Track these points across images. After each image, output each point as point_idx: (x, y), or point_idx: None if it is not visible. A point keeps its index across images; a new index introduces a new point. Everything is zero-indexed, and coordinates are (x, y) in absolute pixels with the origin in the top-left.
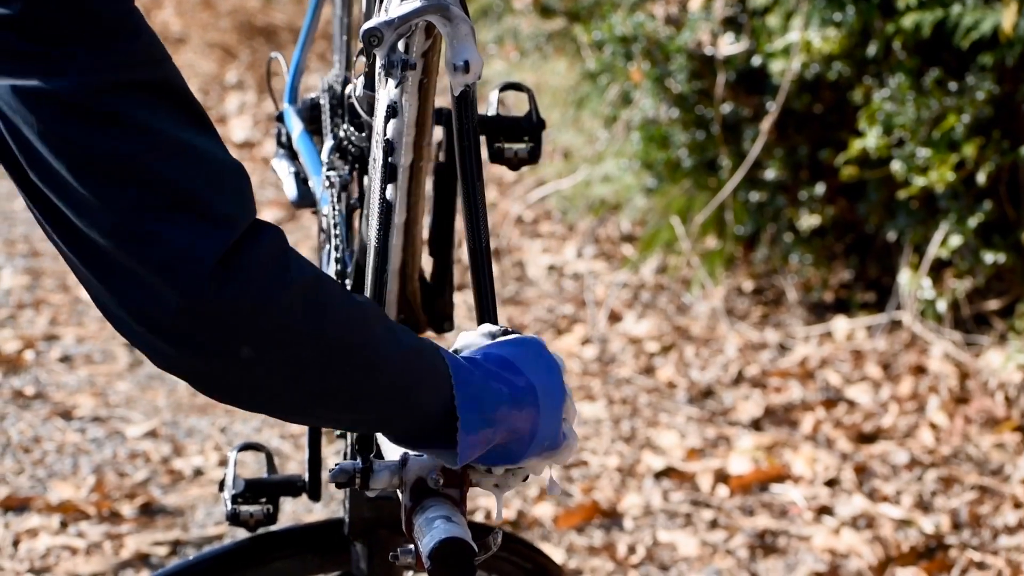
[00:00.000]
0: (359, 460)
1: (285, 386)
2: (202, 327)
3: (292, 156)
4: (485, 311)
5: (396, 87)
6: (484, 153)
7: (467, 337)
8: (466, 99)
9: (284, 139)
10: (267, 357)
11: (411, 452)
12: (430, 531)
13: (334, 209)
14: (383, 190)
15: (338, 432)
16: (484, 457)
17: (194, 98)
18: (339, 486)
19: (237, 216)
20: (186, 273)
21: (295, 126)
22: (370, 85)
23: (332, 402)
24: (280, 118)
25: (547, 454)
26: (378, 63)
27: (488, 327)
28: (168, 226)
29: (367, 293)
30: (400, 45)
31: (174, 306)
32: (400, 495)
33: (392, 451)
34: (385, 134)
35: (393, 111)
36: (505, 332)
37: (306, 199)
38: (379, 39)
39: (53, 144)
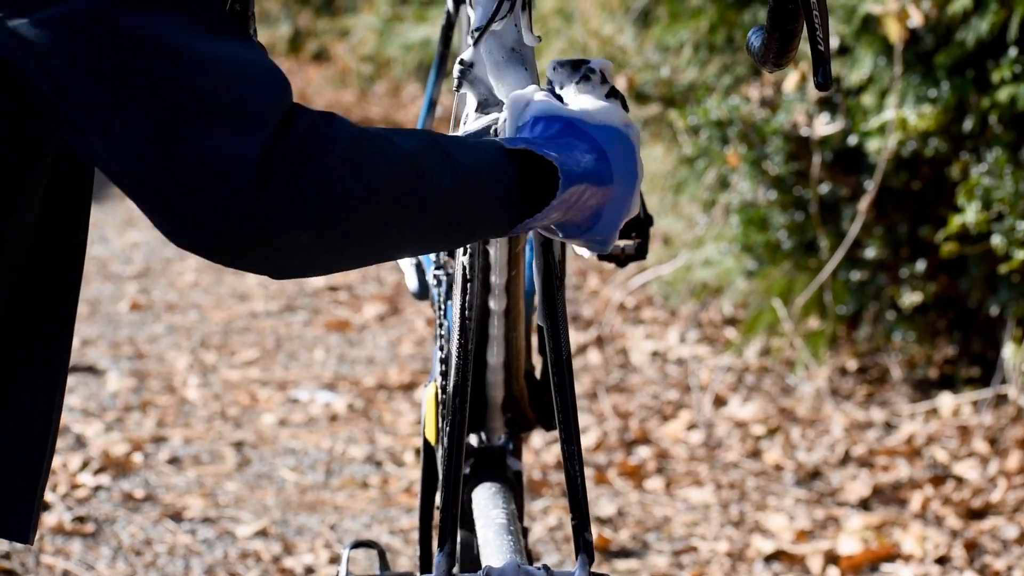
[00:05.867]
0: None
1: (347, 254)
2: (257, 229)
3: None
4: (566, 427)
5: None
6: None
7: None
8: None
9: None
10: (324, 235)
11: (494, 564)
12: None
13: (440, 308)
14: (463, 336)
15: None
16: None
17: (215, 5)
18: None
19: (269, 115)
20: (230, 181)
21: None
22: None
23: (394, 250)
24: None
25: (592, 244)
26: None
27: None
28: (203, 136)
29: (448, 412)
30: None
31: (226, 215)
32: None
33: (489, 556)
34: (466, 270)
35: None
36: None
37: (427, 291)
38: None
39: (77, 71)
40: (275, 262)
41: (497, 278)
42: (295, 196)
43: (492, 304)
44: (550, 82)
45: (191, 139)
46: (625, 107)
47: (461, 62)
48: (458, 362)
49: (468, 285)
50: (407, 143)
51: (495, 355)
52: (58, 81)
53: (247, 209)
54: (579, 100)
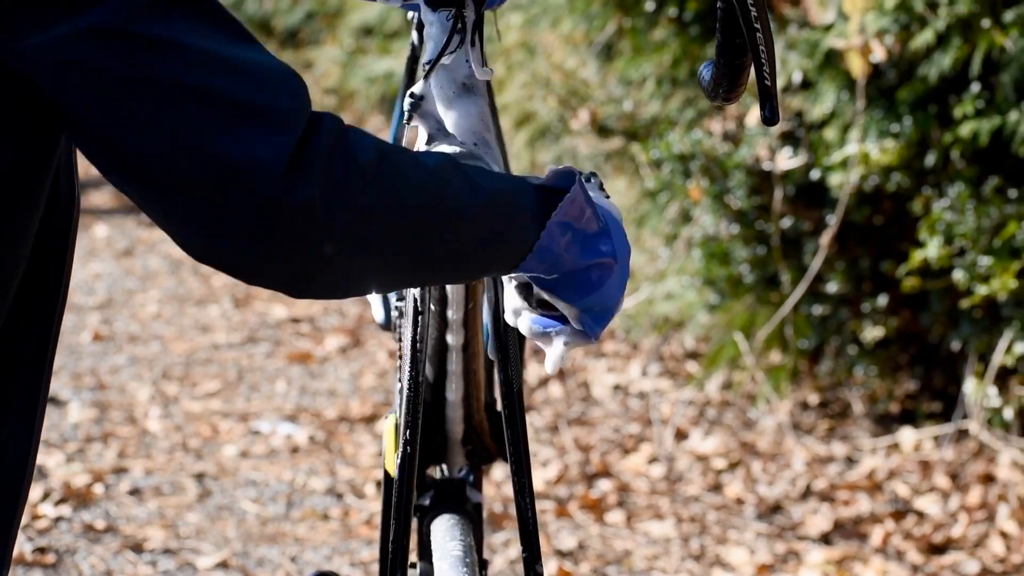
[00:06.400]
0: None
1: (369, 271)
2: (281, 233)
3: None
4: (517, 459)
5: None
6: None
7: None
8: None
9: None
10: (348, 248)
11: None
12: None
13: (402, 340)
14: (414, 369)
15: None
16: (545, 281)
17: (231, 15)
18: None
19: (295, 116)
20: (256, 182)
21: None
22: None
23: (416, 271)
24: None
25: (586, 320)
26: None
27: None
28: (229, 139)
29: (399, 446)
30: None
31: (250, 219)
32: None
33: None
34: (417, 302)
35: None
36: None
37: (392, 323)
38: None
39: (101, 83)
40: (295, 274)
41: (454, 313)
42: (322, 201)
43: (450, 339)
44: None
45: (218, 143)
46: None
47: (411, 95)
48: (409, 395)
49: (419, 318)
50: (430, 160)
51: (454, 391)
52: (82, 95)
53: (273, 213)
54: None
